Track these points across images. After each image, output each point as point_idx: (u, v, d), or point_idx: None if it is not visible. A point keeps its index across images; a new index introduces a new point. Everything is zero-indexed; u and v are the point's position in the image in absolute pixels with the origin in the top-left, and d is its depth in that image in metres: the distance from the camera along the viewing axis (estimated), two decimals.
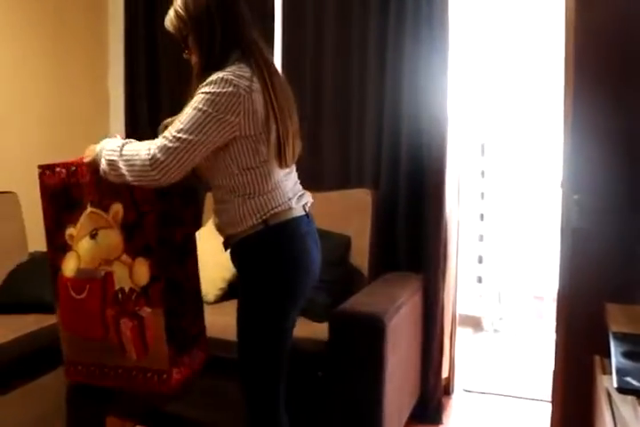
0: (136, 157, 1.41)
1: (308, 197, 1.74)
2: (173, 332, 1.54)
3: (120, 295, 1.54)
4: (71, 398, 1.69)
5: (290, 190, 1.62)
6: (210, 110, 1.40)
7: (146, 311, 1.50)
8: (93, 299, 1.58)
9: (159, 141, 1.41)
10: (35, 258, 2.55)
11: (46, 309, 2.27)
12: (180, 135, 1.40)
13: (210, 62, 1.50)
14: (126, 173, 1.41)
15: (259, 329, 1.55)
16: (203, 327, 1.69)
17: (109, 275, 1.56)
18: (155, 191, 1.48)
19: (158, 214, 1.50)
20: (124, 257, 1.52)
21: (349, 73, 2.72)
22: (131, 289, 1.52)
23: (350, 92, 2.71)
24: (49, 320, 2.20)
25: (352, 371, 1.93)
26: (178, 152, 1.39)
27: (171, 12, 1.54)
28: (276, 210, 1.54)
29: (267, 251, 1.56)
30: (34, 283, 2.31)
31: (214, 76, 1.43)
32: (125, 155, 1.42)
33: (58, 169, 1.62)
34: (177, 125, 1.42)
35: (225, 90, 1.40)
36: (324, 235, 2.41)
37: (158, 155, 1.38)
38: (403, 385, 2.19)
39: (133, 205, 1.50)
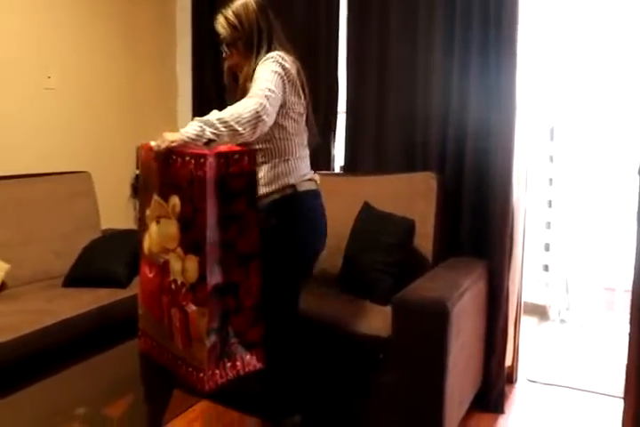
0: (242, 111, 1.56)
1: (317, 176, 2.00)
2: (218, 334, 1.52)
3: (173, 286, 1.55)
4: (143, 367, 1.74)
5: (308, 166, 1.93)
6: (282, 73, 1.70)
7: (191, 308, 1.50)
8: (157, 281, 1.61)
9: (256, 95, 1.61)
10: (107, 235, 2.65)
11: (117, 283, 2.38)
12: (271, 87, 1.65)
13: (257, 63, 1.76)
14: (239, 127, 1.54)
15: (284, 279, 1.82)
16: (260, 335, 1.63)
17: (167, 263, 1.57)
18: (216, 190, 1.47)
19: (212, 213, 1.47)
20: (179, 250, 1.53)
21: (415, 59, 2.66)
22: (182, 283, 1.52)
23: (417, 76, 2.65)
24: (120, 294, 2.31)
25: (414, 355, 1.92)
26: (272, 100, 1.63)
27: (221, 20, 1.82)
28: (304, 178, 1.86)
29: (293, 215, 1.82)
30: (106, 259, 2.40)
31: (272, 53, 1.74)
32: (226, 116, 1.55)
33: (143, 151, 1.66)
34: (263, 84, 1.65)
35: (282, 62, 1.72)
36: (388, 217, 2.40)
37: (265, 102, 1.60)
38: (465, 372, 2.15)
39: (190, 201, 1.49)
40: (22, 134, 2.74)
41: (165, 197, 1.57)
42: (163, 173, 1.56)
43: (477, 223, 2.52)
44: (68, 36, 2.90)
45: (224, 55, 1.84)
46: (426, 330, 1.89)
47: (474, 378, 2.33)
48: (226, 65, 1.86)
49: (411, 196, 2.50)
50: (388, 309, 2.06)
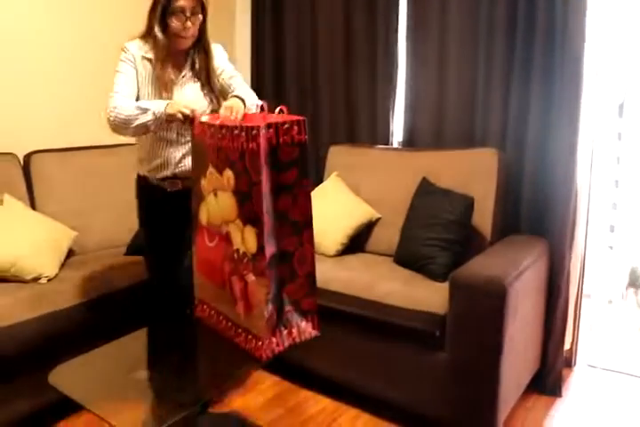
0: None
1: None
2: (277, 303, 1.53)
3: (236, 255, 1.56)
4: (200, 332, 1.78)
5: None
6: None
7: (251, 278, 1.51)
8: (219, 250, 1.63)
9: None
10: None
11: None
12: None
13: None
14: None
15: None
16: (315, 304, 1.64)
17: (229, 234, 1.58)
18: (268, 161, 1.47)
19: (268, 185, 1.47)
20: (238, 222, 1.53)
21: (476, 33, 2.55)
22: (244, 253, 1.53)
23: (478, 45, 2.55)
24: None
25: (470, 333, 1.88)
26: None
27: None
28: None
29: None
30: None
31: (219, 45, 2.01)
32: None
33: (198, 122, 1.67)
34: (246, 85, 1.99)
35: None
36: (446, 194, 2.35)
37: None
38: (522, 353, 2.11)
39: (246, 174, 1.48)
40: (92, 107, 2.82)
41: (220, 171, 1.58)
42: (216, 147, 1.57)
43: (538, 202, 2.43)
44: (129, 18, 2.94)
45: (192, 22, 1.80)
46: (483, 308, 1.85)
47: (531, 359, 2.28)
48: (189, 32, 1.81)
49: (470, 172, 2.44)
50: (444, 285, 2.03)
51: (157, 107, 1.74)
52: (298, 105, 3.27)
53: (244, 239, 1.52)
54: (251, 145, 1.44)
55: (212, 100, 1.93)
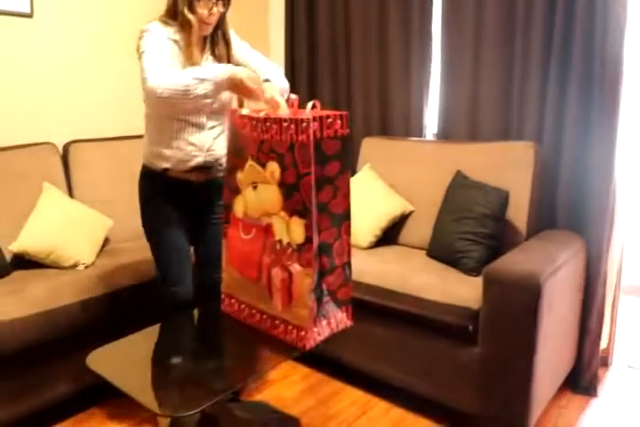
0: None
1: None
2: (318, 293, 1.54)
3: (278, 246, 1.57)
4: (228, 324, 1.79)
5: None
6: None
7: (296, 269, 1.52)
8: (256, 242, 1.64)
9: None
10: None
11: None
12: None
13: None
14: None
15: None
16: (350, 294, 1.66)
17: (270, 226, 1.59)
18: (316, 154, 1.47)
19: (316, 177, 1.48)
20: (282, 213, 1.54)
21: (514, 25, 2.50)
22: (288, 243, 1.53)
23: (514, 37, 2.51)
24: None
25: (504, 329, 1.86)
26: None
27: None
28: None
29: None
30: None
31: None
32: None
33: (234, 115, 1.68)
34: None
35: None
36: (481, 187, 2.32)
37: None
38: (557, 350, 2.07)
39: (294, 167, 1.49)
40: (129, 97, 2.86)
41: (262, 164, 1.59)
42: (259, 140, 1.57)
43: (575, 197, 2.38)
44: None
45: (217, 9, 1.79)
46: (517, 304, 1.83)
47: (566, 357, 2.24)
48: (213, 19, 1.80)
49: (506, 166, 2.40)
50: (478, 280, 2.01)
51: (215, 73, 1.63)
52: (331, 97, 3.27)
53: (290, 230, 1.53)
54: (300, 137, 1.45)
55: None
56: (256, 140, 1.59)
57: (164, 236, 1.92)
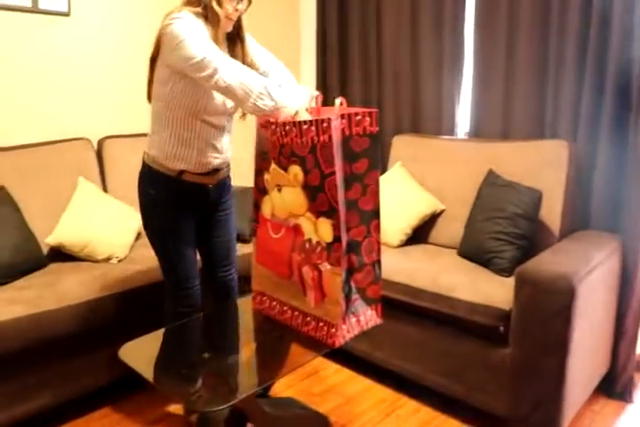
0: None
1: None
2: (347, 290, 1.55)
3: (307, 245, 1.57)
4: (258, 321, 1.80)
5: None
6: None
7: (325, 267, 1.52)
8: (286, 241, 1.64)
9: None
10: (232, 192, 2.74)
11: (240, 239, 2.49)
12: None
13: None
14: None
15: None
16: (380, 292, 1.66)
17: (298, 226, 1.60)
18: (344, 151, 1.47)
19: (345, 175, 1.48)
20: (309, 215, 1.54)
21: (548, 23, 2.45)
22: (317, 242, 1.54)
23: (548, 35, 2.46)
24: (243, 250, 2.41)
25: (536, 331, 1.83)
26: None
27: None
28: None
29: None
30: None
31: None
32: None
33: (259, 118, 1.68)
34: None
35: None
36: (513, 186, 2.28)
37: None
38: (591, 353, 2.03)
39: (317, 168, 1.48)
40: None
41: (284, 167, 1.59)
42: (280, 144, 1.58)
43: (611, 197, 2.33)
44: None
45: (239, 7, 1.74)
46: (550, 306, 1.80)
47: (600, 361, 2.20)
48: (236, 15, 1.75)
49: (539, 165, 2.36)
50: (510, 280, 1.99)
51: (287, 102, 1.60)
52: (362, 94, 3.26)
53: (318, 230, 1.53)
54: (322, 138, 1.45)
55: None
56: (276, 144, 1.59)
57: (176, 242, 1.86)
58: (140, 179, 1.87)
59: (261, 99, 1.57)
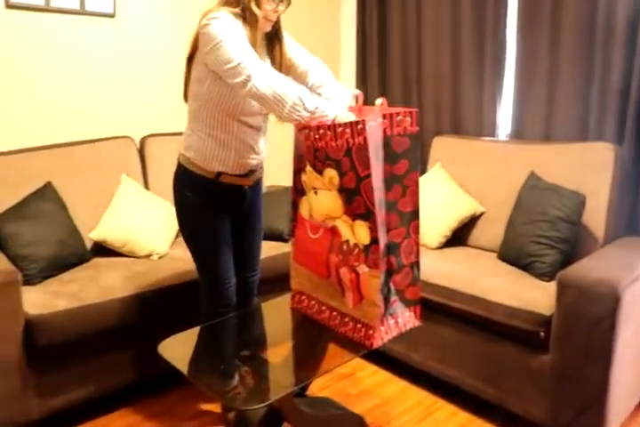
0: None
1: None
2: (385, 292, 1.54)
3: (345, 246, 1.57)
4: (296, 320, 1.81)
5: None
6: None
7: (363, 269, 1.52)
8: (324, 242, 1.64)
9: None
10: (271, 191, 2.77)
11: (280, 238, 2.55)
12: None
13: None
14: None
15: None
16: (419, 293, 1.64)
17: (335, 227, 1.59)
18: (385, 152, 1.46)
19: (378, 176, 1.46)
20: (345, 217, 1.54)
21: (594, 24, 2.40)
22: (355, 244, 1.53)
23: (595, 32, 2.40)
24: (282, 248, 2.45)
25: (578, 338, 1.79)
26: None
27: None
28: None
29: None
30: (271, 214, 2.51)
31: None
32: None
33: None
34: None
35: None
36: (556, 190, 2.24)
37: None
38: (635, 363, 1.98)
39: (352, 171, 1.47)
40: None
41: (319, 171, 1.58)
42: (314, 148, 1.57)
43: None
44: None
45: (279, 8, 1.73)
46: (593, 312, 1.75)
47: None
48: (275, 16, 1.74)
49: (583, 167, 2.31)
50: (551, 285, 1.95)
51: (323, 111, 1.57)
52: (402, 95, 3.24)
53: (355, 233, 1.53)
54: (357, 140, 1.44)
55: None
56: (310, 148, 1.59)
57: (213, 242, 1.86)
58: (175, 180, 1.88)
59: (296, 110, 1.54)
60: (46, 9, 2.47)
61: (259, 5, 1.67)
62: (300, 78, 1.83)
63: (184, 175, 1.84)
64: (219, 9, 1.66)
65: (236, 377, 1.52)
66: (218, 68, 1.61)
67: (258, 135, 1.82)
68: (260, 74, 1.55)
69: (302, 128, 1.61)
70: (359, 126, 1.43)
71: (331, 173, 1.54)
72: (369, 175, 1.44)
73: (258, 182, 1.96)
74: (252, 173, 1.87)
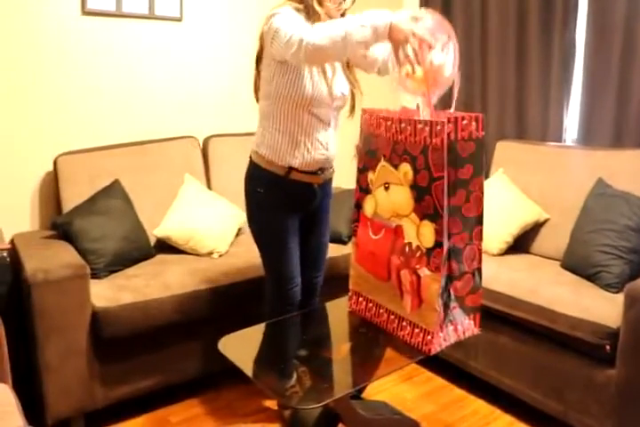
0: None
1: None
2: (445, 298, 1.52)
3: (407, 248, 1.55)
4: (354, 322, 1.80)
5: None
6: None
7: (424, 273, 1.50)
8: (385, 243, 1.63)
9: None
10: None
11: (339, 240, 2.56)
12: None
13: None
14: None
15: None
16: (480, 301, 1.61)
17: (399, 227, 1.58)
18: (450, 156, 1.44)
19: (449, 180, 1.45)
20: (413, 216, 1.53)
21: None
22: (417, 246, 1.52)
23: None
24: (342, 250, 2.46)
25: None
26: None
27: None
28: None
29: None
30: (331, 215, 2.50)
31: None
32: None
33: (368, 115, 1.68)
34: None
35: None
36: (625, 197, 2.15)
37: None
38: None
39: (426, 170, 1.47)
40: None
41: (395, 165, 1.58)
42: (393, 141, 1.57)
43: None
44: None
45: (341, 6, 1.74)
46: None
47: None
48: (338, 13, 1.75)
49: None
50: (618, 297, 1.88)
51: (375, 20, 1.50)
52: (465, 98, 3.18)
53: (420, 234, 1.51)
54: (434, 140, 1.43)
55: (351, 83, 1.89)
56: (389, 140, 1.59)
57: (282, 241, 1.89)
58: (246, 178, 1.92)
59: (353, 36, 1.49)
60: (119, 15, 2.56)
61: (320, 3, 1.71)
62: (370, 66, 1.88)
63: (255, 172, 1.87)
64: (282, 5, 1.72)
65: (294, 376, 1.53)
66: (281, 53, 1.64)
67: (326, 129, 1.84)
68: (307, 32, 1.55)
69: (384, 120, 1.61)
70: (438, 127, 1.42)
71: (406, 167, 1.53)
72: (442, 177, 1.43)
73: (328, 183, 1.97)
74: (322, 171, 1.89)
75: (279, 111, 1.78)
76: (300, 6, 1.73)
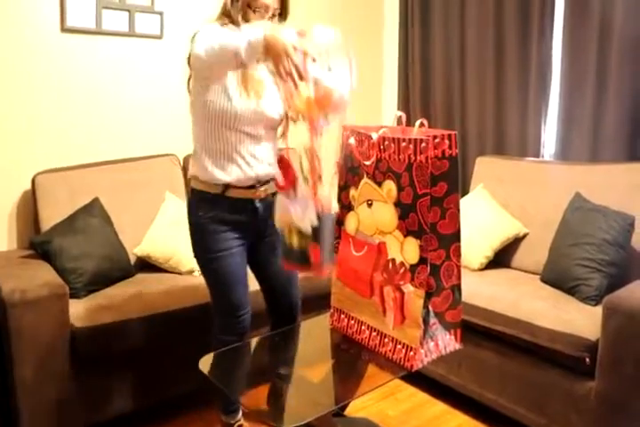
0: None
1: None
2: (424, 314, 1.51)
3: (391, 265, 1.56)
4: (335, 339, 1.79)
5: None
6: None
7: (408, 289, 1.51)
8: (368, 260, 1.63)
9: None
10: None
11: None
12: None
13: None
14: None
15: None
16: (459, 316, 1.61)
17: (383, 244, 1.58)
18: (430, 175, 1.45)
19: (433, 198, 1.46)
20: (397, 233, 1.53)
21: None
22: (401, 263, 1.53)
23: None
24: None
25: (626, 365, 1.73)
26: None
27: None
28: None
29: None
30: None
31: None
32: None
33: (348, 133, 1.69)
34: None
35: None
36: (602, 211, 2.19)
37: None
38: None
39: (411, 187, 1.47)
40: None
41: (378, 182, 1.59)
42: (376, 157, 1.58)
43: None
44: None
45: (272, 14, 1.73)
46: None
47: None
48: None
49: (631, 188, 2.26)
50: (597, 309, 1.90)
51: (251, 32, 1.47)
52: (445, 114, 3.23)
53: (404, 250, 1.52)
54: (419, 157, 1.44)
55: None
56: (372, 158, 1.60)
57: (226, 268, 1.81)
58: (188, 205, 1.87)
59: (227, 47, 1.49)
60: (98, 32, 2.57)
61: (246, 18, 1.70)
62: None
63: (193, 195, 1.84)
64: (210, 22, 1.72)
65: (275, 395, 1.52)
66: (196, 66, 1.66)
67: (261, 144, 1.79)
68: (201, 47, 1.57)
69: (367, 138, 1.61)
70: (422, 145, 1.43)
71: (390, 185, 1.54)
72: (427, 194, 1.45)
73: (272, 199, 1.82)
74: (261, 184, 1.83)
75: (206, 130, 1.74)
76: (227, 21, 1.71)
